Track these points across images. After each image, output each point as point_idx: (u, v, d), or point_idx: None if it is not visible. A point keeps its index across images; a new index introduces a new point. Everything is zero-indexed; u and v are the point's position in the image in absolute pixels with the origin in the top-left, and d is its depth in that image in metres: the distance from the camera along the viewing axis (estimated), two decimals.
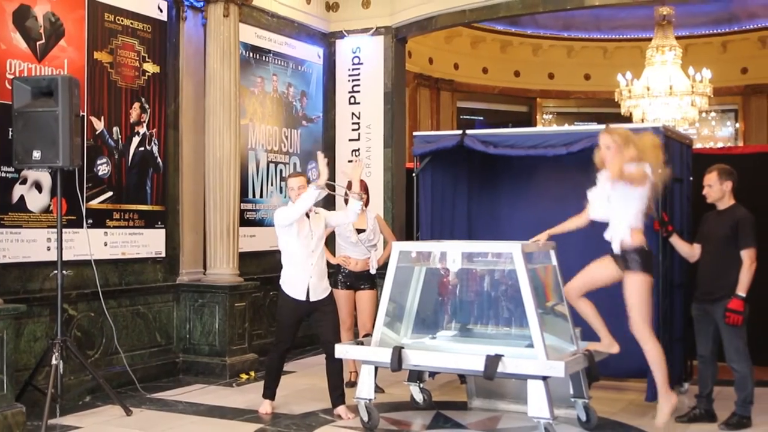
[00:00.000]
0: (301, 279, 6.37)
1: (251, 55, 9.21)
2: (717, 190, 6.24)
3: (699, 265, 6.37)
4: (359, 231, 7.34)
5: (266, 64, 9.46)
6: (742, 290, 6.01)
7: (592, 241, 7.47)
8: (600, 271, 5.96)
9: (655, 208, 6.45)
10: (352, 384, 7.14)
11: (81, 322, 7.12)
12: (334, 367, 6.40)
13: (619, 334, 6.86)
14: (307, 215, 6.38)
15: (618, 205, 5.76)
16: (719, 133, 16.69)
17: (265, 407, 6.55)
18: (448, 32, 14.63)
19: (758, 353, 6.73)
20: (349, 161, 10.16)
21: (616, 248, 5.81)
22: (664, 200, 6.45)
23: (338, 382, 6.42)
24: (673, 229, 6.50)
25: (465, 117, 16.14)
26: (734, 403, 6.13)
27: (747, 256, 6.03)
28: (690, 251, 6.47)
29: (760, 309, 7.47)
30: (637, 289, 5.73)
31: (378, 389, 6.76)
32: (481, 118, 16.31)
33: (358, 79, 10.23)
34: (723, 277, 6.08)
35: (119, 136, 7.57)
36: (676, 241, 6.49)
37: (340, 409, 6.36)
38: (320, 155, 6.50)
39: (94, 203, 7.31)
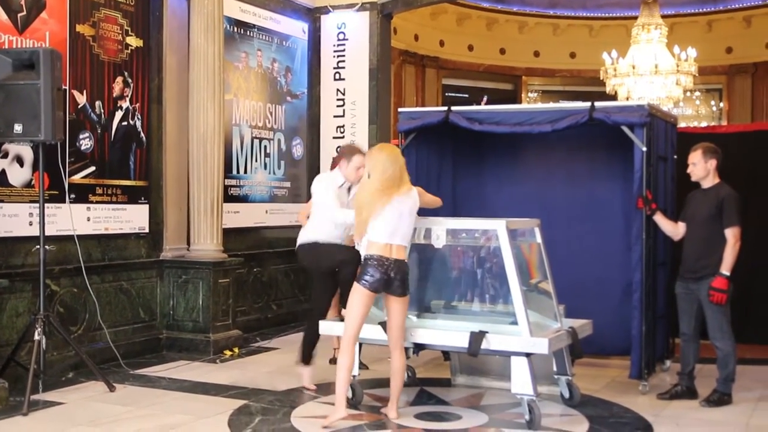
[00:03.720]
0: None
1: (235, 29, 9.14)
2: (701, 168, 6.25)
3: (684, 244, 6.40)
4: None
5: (251, 39, 9.39)
6: (726, 269, 6.03)
7: (576, 219, 7.53)
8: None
9: (639, 186, 6.48)
10: (335, 361, 7.14)
11: (64, 298, 7.08)
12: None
13: (604, 311, 6.93)
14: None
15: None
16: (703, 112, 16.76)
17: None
18: (433, 9, 14.61)
19: (741, 331, 6.78)
20: (337, 145, 10.13)
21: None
22: (648, 179, 6.47)
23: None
24: (657, 207, 6.51)
25: (450, 94, 16.11)
26: (716, 381, 6.18)
27: (731, 234, 6.05)
28: (674, 230, 6.49)
29: (743, 287, 7.53)
30: (352, 299, 5.61)
31: (362, 366, 6.77)
32: (466, 95, 16.28)
33: (343, 55, 10.16)
34: (707, 255, 6.11)
35: (102, 111, 7.50)
36: (659, 219, 6.51)
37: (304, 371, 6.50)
38: None
39: (77, 178, 7.25)
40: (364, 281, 5.51)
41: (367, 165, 5.66)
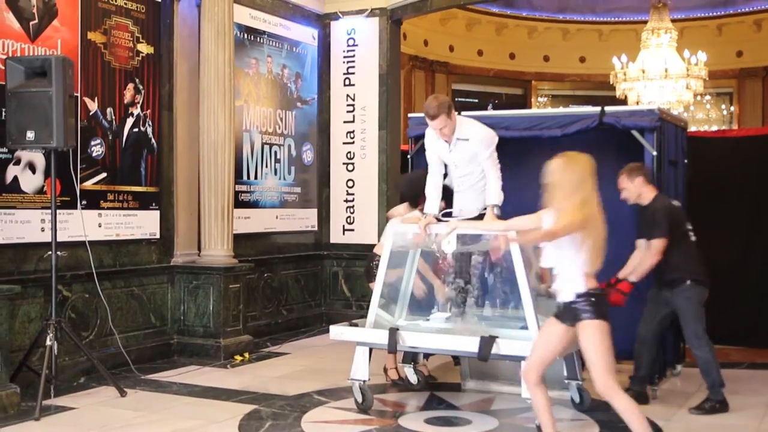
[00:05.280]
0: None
1: (246, 36, 9.17)
2: (631, 190, 6.20)
3: None
4: None
5: (261, 45, 9.42)
6: (635, 276, 6.05)
7: None
8: (554, 339, 4.83)
9: None
10: (399, 379, 6.86)
11: (75, 304, 7.11)
12: None
13: (614, 315, 6.89)
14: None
15: (568, 250, 4.79)
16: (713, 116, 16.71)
17: None
18: (443, 14, 14.62)
19: (752, 335, 6.76)
20: (347, 150, 10.13)
21: (565, 298, 4.76)
22: (659, 183, 6.45)
23: None
24: None
25: (460, 99, 16.13)
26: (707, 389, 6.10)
27: (654, 245, 6.02)
28: None
29: (755, 291, 7.52)
30: (593, 339, 4.61)
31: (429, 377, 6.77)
32: (476, 100, 16.29)
33: (353, 61, 10.19)
34: (666, 266, 6.06)
35: (113, 117, 7.54)
36: None
37: None
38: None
39: (88, 184, 7.29)
40: (605, 318, 4.67)
41: (565, 184, 4.94)
